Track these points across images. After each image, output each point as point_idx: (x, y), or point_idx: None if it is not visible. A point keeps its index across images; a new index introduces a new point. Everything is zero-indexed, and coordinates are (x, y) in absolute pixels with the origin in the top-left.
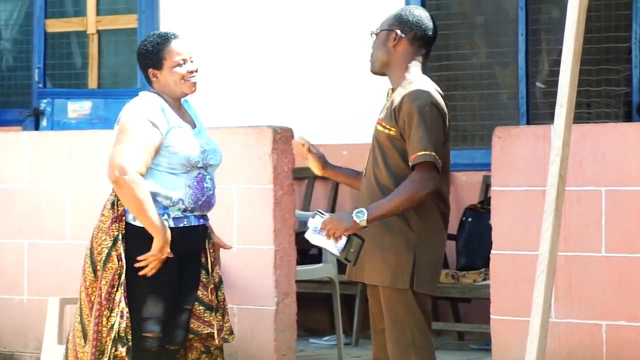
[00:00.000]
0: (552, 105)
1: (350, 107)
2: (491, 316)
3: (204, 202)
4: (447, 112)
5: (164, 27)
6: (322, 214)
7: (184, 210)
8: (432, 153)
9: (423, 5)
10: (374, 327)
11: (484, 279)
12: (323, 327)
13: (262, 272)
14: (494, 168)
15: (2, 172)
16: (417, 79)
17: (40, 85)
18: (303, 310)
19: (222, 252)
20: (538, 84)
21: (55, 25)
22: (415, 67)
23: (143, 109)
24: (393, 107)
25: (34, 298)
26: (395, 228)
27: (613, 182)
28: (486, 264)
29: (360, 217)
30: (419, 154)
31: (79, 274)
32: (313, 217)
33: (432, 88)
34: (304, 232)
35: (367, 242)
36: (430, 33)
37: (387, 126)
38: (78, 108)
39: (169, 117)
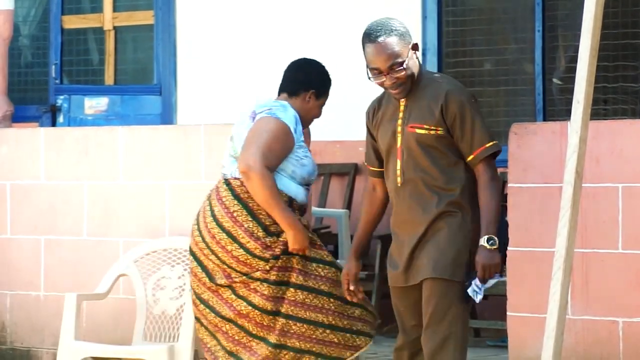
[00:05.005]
0: (569, 102)
1: (364, 105)
2: (507, 313)
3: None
4: None
5: (180, 24)
6: (474, 278)
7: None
8: (496, 142)
9: (439, 2)
10: (403, 324)
11: (501, 276)
12: None
13: None
14: (511, 165)
15: (18, 169)
16: (431, 74)
17: (57, 81)
18: None
19: None
20: (555, 80)
21: (72, 22)
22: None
23: (285, 114)
24: (435, 106)
25: (51, 294)
26: (454, 223)
27: (630, 179)
28: (503, 261)
29: (494, 243)
30: (488, 145)
31: (95, 270)
32: (470, 286)
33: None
34: (319, 229)
35: (420, 244)
36: None
37: (432, 127)
38: (95, 104)
39: (300, 133)
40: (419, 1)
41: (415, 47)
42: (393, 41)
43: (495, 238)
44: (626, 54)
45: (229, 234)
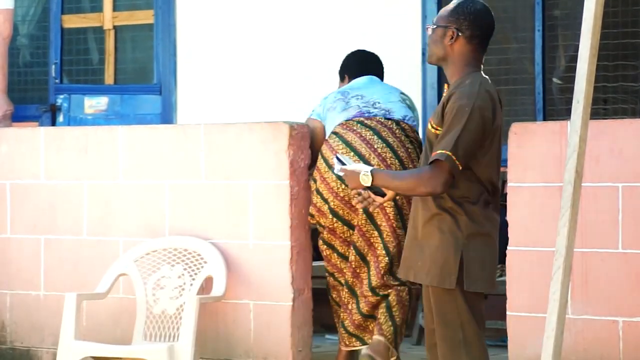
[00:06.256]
0: (569, 101)
1: None
2: (507, 312)
3: None
4: (495, 113)
5: (180, 24)
6: (342, 162)
7: None
8: (451, 155)
9: (439, 2)
10: (427, 326)
11: (501, 275)
12: None
13: (278, 268)
14: (511, 164)
15: (18, 168)
16: (470, 78)
17: (57, 81)
18: (319, 306)
19: (239, 249)
20: (555, 79)
21: (72, 21)
22: (472, 63)
23: None
24: (441, 106)
25: (51, 294)
26: (445, 228)
27: (630, 178)
28: (502, 260)
29: (366, 180)
30: (439, 151)
31: (95, 269)
32: (336, 160)
33: (483, 89)
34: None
35: (417, 240)
36: (489, 29)
37: (434, 125)
38: (95, 104)
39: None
40: (419, 1)
41: (453, 35)
42: (448, 7)
43: (372, 178)
44: (626, 53)
45: (402, 163)
